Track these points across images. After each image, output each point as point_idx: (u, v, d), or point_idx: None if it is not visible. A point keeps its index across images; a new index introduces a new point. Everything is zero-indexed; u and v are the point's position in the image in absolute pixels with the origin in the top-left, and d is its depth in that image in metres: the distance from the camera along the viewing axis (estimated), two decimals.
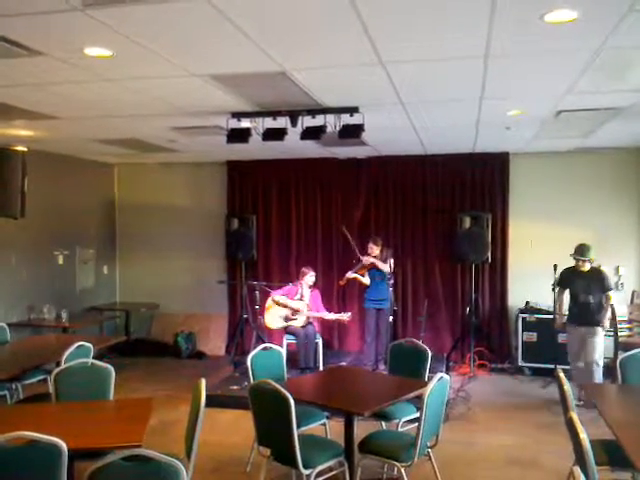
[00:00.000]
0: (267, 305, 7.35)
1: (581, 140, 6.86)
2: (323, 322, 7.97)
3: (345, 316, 7.18)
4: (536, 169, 7.93)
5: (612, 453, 3.46)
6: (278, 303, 7.25)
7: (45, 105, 5.01)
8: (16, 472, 2.70)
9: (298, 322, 7.20)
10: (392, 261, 7.29)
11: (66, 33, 3.21)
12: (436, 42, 3.38)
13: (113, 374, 4.17)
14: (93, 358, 4.60)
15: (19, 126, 5.93)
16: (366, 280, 7.35)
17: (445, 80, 4.24)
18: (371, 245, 7.36)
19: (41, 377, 5.58)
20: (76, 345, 4.71)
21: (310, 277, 7.40)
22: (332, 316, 7.28)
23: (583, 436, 2.81)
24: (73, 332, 7.16)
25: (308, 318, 7.26)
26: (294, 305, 7.23)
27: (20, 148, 5.86)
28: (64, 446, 2.69)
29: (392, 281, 7.08)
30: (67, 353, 4.58)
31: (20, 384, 5.49)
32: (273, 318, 7.28)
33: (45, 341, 6.19)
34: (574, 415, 3.02)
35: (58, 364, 4.45)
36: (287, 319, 7.21)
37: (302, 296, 7.35)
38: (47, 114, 5.34)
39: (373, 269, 7.30)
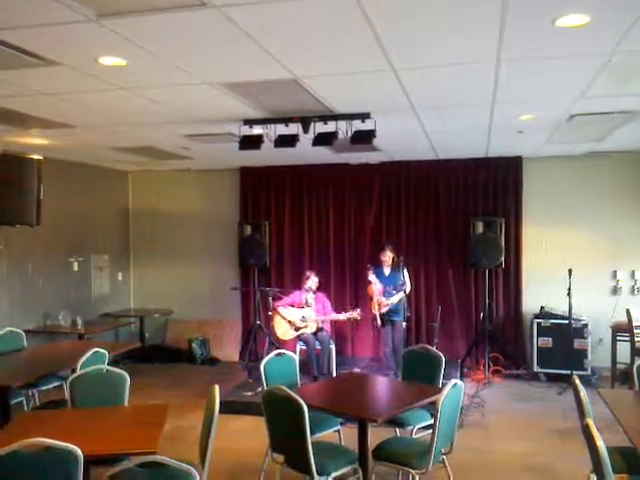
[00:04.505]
0: (274, 317, 7.34)
1: (595, 144, 6.81)
2: (336, 326, 7.96)
3: (355, 313, 7.14)
4: (550, 173, 7.88)
5: (630, 460, 3.42)
6: (282, 317, 7.26)
7: (60, 114, 5.07)
8: (32, 478, 2.72)
9: (309, 329, 7.18)
10: (406, 272, 7.25)
11: (81, 43, 3.26)
12: (447, 47, 3.38)
13: (128, 380, 4.20)
14: (108, 364, 4.64)
15: (35, 134, 6.01)
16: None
17: (457, 85, 4.24)
18: (388, 253, 7.33)
19: (57, 383, 5.64)
20: (91, 351, 4.75)
21: (312, 281, 7.39)
22: (343, 316, 7.23)
23: (600, 443, 2.78)
24: (88, 339, 7.21)
25: (318, 324, 7.24)
26: (293, 318, 7.20)
27: (36, 156, 5.93)
28: (80, 452, 2.71)
29: (405, 287, 7.08)
30: (83, 359, 4.61)
31: (36, 390, 5.55)
32: (283, 329, 7.26)
33: (61, 348, 6.24)
34: (590, 422, 2.99)
35: (74, 371, 4.48)
36: (297, 328, 7.19)
37: (308, 302, 7.34)
38: (62, 122, 5.40)
39: (387, 280, 7.25)
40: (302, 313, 7.23)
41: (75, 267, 8.21)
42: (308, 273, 7.51)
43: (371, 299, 7.22)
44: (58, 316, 7.51)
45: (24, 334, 6.11)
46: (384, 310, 7.10)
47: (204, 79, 4.02)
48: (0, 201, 5.56)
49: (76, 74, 3.84)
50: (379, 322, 7.11)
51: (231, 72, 3.87)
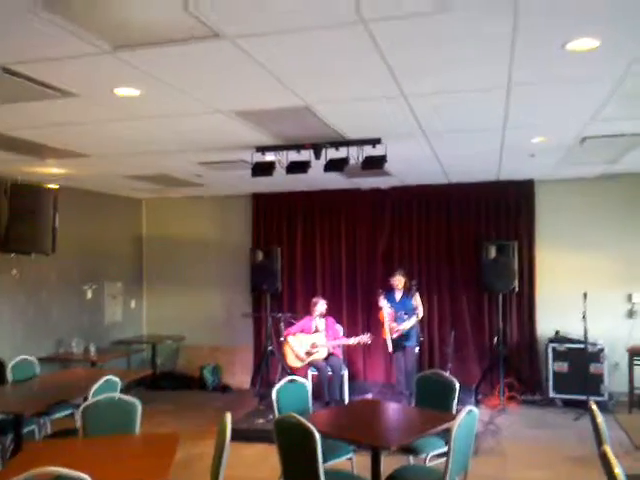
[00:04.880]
0: (285, 344, 7.32)
1: (608, 166, 6.80)
2: (348, 351, 7.90)
3: (365, 337, 7.08)
4: (563, 196, 7.85)
5: None
6: (290, 348, 7.24)
7: (76, 144, 5.17)
8: None
9: (320, 354, 7.14)
10: (418, 296, 7.21)
11: (97, 75, 3.34)
12: (458, 73, 3.42)
13: (139, 408, 4.18)
14: (120, 391, 4.63)
15: (51, 164, 6.11)
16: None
17: (467, 110, 4.27)
18: (399, 277, 7.32)
19: (69, 412, 5.63)
20: (104, 379, 4.75)
21: (321, 306, 7.37)
22: (353, 340, 7.16)
23: (618, 471, 2.72)
24: (101, 366, 7.22)
25: (329, 349, 7.20)
26: (302, 347, 7.16)
27: (52, 186, 6.02)
28: None
29: (418, 311, 7.03)
30: (95, 387, 4.61)
31: (48, 419, 5.54)
32: (294, 356, 7.22)
33: (73, 375, 6.24)
34: (608, 449, 2.93)
35: (86, 399, 4.48)
36: (308, 354, 7.15)
37: (317, 328, 7.30)
38: (78, 152, 5.49)
39: (398, 305, 7.21)
40: (312, 339, 7.20)
41: (89, 295, 8.26)
42: (315, 299, 7.49)
43: (382, 325, 7.17)
44: (71, 343, 7.54)
45: (37, 362, 6.12)
46: (395, 336, 7.05)
47: (217, 108, 4.08)
48: (16, 230, 5.63)
49: (92, 105, 3.92)
50: (390, 348, 7.05)
51: (244, 100, 3.93)
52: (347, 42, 2.89)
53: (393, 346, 7.07)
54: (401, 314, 7.11)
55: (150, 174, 6.97)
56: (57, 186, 6.07)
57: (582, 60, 3.20)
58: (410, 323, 7.04)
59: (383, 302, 7.14)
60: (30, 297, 7.24)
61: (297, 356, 7.16)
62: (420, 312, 7.13)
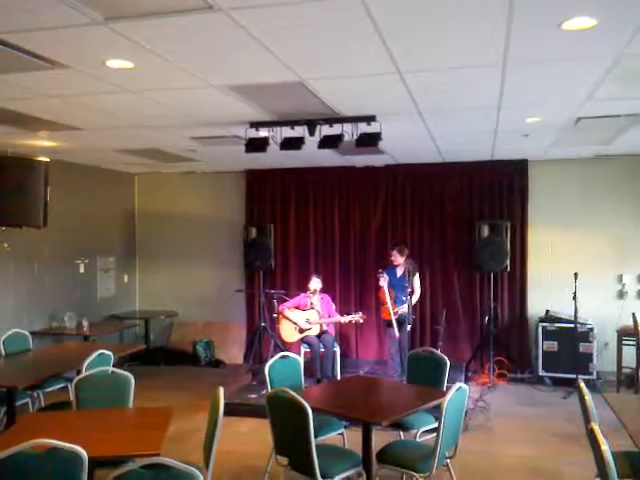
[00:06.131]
0: (279, 319, 7.35)
1: (602, 147, 6.79)
2: (341, 328, 7.95)
3: (357, 316, 7.11)
4: (556, 176, 7.86)
5: (635, 465, 3.40)
6: (287, 318, 7.27)
7: (68, 116, 5.10)
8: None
9: (313, 331, 7.18)
10: (417, 278, 7.16)
11: (89, 46, 3.28)
12: (454, 51, 3.39)
13: (133, 382, 4.21)
14: (113, 366, 4.65)
15: (43, 137, 6.04)
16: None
17: (463, 89, 4.24)
18: (395, 254, 7.26)
19: (62, 385, 5.66)
20: (97, 353, 4.77)
21: (315, 283, 7.39)
22: (346, 319, 7.19)
23: (605, 448, 2.77)
24: (94, 340, 7.23)
25: (322, 326, 7.24)
26: (298, 320, 7.20)
27: (43, 159, 5.96)
28: (84, 454, 2.72)
29: (410, 290, 7.03)
30: (88, 361, 4.63)
31: (42, 392, 5.57)
32: (288, 331, 7.27)
33: (66, 349, 6.26)
34: (595, 426, 2.97)
35: (79, 372, 4.50)
36: (302, 330, 7.20)
37: (312, 304, 7.34)
38: (70, 125, 5.43)
39: (397, 281, 7.19)
40: (306, 315, 7.23)
41: (81, 269, 8.24)
42: (312, 276, 7.53)
43: (382, 304, 7.12)
44: (64, 317, 7.53)
45: (30, 335, 6.13)
46: (396, 317, 7.00)
47: (210, 82, 4.03)
48: (7, 203, 5.58)
49: (84, 77, 3.86)
50: (397, 331, 6.91)
51: (237, 75, 3.88)
52: (343, 16, 2.84)
53: (392, 324, 7.01)
54: (400, 295, 7.05)
55: (143, 148, 6.91)
56: (48, 159, 6.01)
57: (579, 39, 3.17)
58: (407, 305, 7.02)
59: (384, 282, 7.07)
60: (22, 271, 7.21)
61: (296, 324, 7.19)
62: (416, 295, 7.08)
